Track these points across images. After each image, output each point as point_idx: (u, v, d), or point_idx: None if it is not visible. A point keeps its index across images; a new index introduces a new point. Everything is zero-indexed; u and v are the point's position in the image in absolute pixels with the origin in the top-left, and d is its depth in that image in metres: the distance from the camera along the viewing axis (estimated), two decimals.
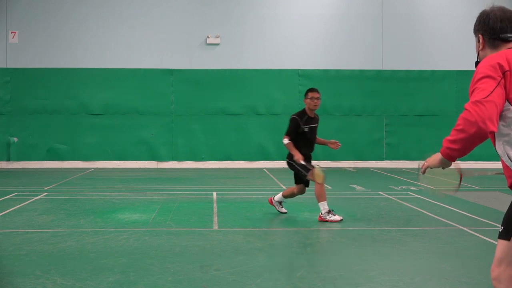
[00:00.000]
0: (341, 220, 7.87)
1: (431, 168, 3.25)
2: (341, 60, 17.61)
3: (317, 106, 8.07)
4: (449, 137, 3.02)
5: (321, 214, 7.89)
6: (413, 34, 17.78)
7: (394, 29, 17.73)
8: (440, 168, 3.28)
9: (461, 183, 3.56)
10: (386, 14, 17.73)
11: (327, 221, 7.84)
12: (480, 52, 3.24)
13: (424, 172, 3.36)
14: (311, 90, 8.11)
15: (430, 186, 3.56)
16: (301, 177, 8.07)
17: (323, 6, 17.64)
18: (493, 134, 3.06)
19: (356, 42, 17.66)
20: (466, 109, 2.92)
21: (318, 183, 7.75)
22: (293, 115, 8.08)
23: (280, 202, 8.54)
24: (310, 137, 8.08)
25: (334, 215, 7.88)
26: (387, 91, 17.55)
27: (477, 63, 3.22)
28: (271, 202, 8.63)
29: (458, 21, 17.62)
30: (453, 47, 17.71)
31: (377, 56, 17.68)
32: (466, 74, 17.06)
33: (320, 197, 7.83)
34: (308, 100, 8.05)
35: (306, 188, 8.25)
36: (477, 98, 2.90)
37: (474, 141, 2.92)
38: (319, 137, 8.36)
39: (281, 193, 8.50)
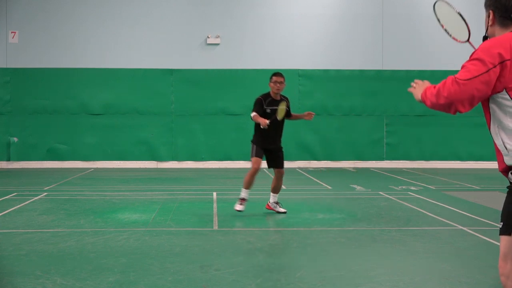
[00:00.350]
0: (241, 211, 8.34)
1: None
2: (341, 60, 17.61)
3: (279, 90, 8.36)
4: (428, 91, 3.07)
5: (237, 201, 8.40)
6: (413, 34, 17.78)
7: (394, 29, 17.73)
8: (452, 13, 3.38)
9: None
10: (386, 14, 17.73)
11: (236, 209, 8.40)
12: (489, 27, 3.18)
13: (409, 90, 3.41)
14: (275, 74, 8.44)
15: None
16: (269, 162, 8.49)
17: (323, 6, 17.64)
18: (488, 115, 3.07)
19: (356, 42, 17.66)
20: (446, 82, 2.97)
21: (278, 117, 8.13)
22: (259, 96, 8.46)
23: (276, 203, 8.61)
24: (275, 123, 8.26)
25: (241, 204, 8.36)
26: (387, 91, 17.55)
27: (485, 37, 3.20)
28: (268, 207, 8.70)
29: None
30: (453, 47, 17.66)
31: (377, 56, 17.68)
32: None
33: (245, 184, 8.31)
34: (271, 84, 8.39)
35: (278, 169, 8.45)
36: (459, 77, 2.93)
37: (443, 109, 3.02)
38: (294, 113, 8.69)
39: (270, 192, 8.62)
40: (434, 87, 3.05)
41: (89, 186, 12.10)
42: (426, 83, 3.18)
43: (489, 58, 2.91)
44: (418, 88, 3.21)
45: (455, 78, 2.93)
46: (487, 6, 3.19)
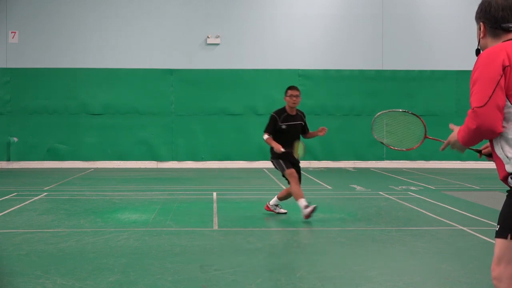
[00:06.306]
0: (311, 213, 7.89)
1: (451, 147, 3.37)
2: (341, 60, 17.61)
3: (296, 104, 8.09)
4: (461, 133, 3.09)
5: (302, 211, 7.87)
6: (413, 34, 17.78)
7: (394, 29, 17.73)
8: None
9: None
10: (386, 14, 17.73)
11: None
12: (480, 40, 3.19)
13: (442, 150, 3.54)
14: (291, 87, 8.15)
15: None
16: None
17: (323, 6, 17.64)
18: None
19: (356, 42, 17.66)
20: (469, 119, 2.95)
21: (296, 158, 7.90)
22: (273, 112, 8.19)
23: (276, 205, 8.55)
24: (290, 135, 8.05)
25: (306, 208, 7.84)
26: (387, 91, 17.55)
27: (477, 51, 3.20)
28: (267, 209, 8.61)
29: (458, 21, 17.61)
30: (453, 47, 17.71)
31: (377, 56, 17.68)
32: (466, 74, 17.04)
33: (297, 196, 7.87)
34: (287, 98, 8.10)
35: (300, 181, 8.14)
36: (477, 104, 2.91)
37: (484, 138, 3.03)
38: (311, 131, 8.36)
39: (275, 196, 8.47)
40: (463, 131, 3.08)
41: (89, 186, 12.10)
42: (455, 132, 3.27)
43: (493, 71, 2.91)
44: (450, 144, 3.34)
45: (474, 109, 2.92)
46: (478, 18, 3.20)
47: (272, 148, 8.01)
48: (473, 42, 16.27)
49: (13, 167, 16.83)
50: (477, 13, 3.21)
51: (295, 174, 7.95)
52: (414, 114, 4.07)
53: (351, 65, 17.61)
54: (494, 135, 2.96)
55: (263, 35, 17.52)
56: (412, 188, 11.80)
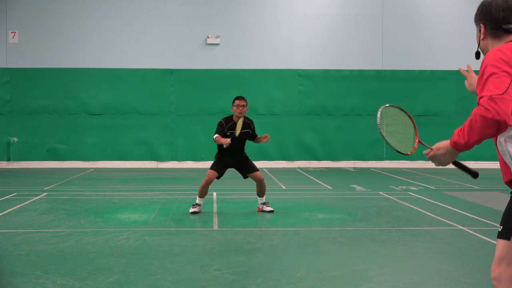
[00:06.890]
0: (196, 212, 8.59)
1: (434, 159, 3.09)
2: (341, 60, 17.62)
3: (242, 113, 8.42)
4: (464, 132, 2.90)
5: (192, 205, 8.71)
6: (413, 34, 17.78)
7: (394, 29, 17.74)
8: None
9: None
10: (386, 14, 17.73)
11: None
12: (481, 41, 3.15)
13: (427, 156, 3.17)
14: (238, 98, 8.52)
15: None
16: (241, 172, 8.72)
17: (323, 6, 17.64)
18: None
19: (356, 42, 17.66)
20: (483, 106, 2.80)
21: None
22: (221, 119, 8.58)
23: (263, 204, 8.78)
24: (236, 142, 8.37)
25: (194, 208, 8.65)
26: (387, 91, 17.55)
27: (477, 53, 3.18)
28: (259, 209, 8.85)
29: (458, 21, 17.62)
30: (453, 47, 17.71)
31: (377, 56, 17.68)
32: None
33: (199, 193, 8.60)
34: (234, 108, 8.47)
35: (252, 174, 8.59)
36: (494, 93, 2.79)
37: (491, 136, 2.86)
38: (259, 136, 8.67)
39: (258, 198, 8.77)
40: (467, 130, 2.88)
41: (89, 186, 12.10)
42: (441, 143, 3.05)
43: (508, 67, 2.85)
44: (436, 149, 3.06)
45: (490, 97, 2.78)
46: (478, 20, 3.17)
47: (217, 150, 8.59)
48: (473, 42, 16.29)
49: (13, 167, 16.83)
50: (476, 15, 3.18)
51: (210, 178, 8.50)
52: (407, 113, 3.86)
53: (351, 65, 17.61)
54: (505, 128, 2.80)
55: (263, 35, 17.52)
56: (412, 188, 11.80)
